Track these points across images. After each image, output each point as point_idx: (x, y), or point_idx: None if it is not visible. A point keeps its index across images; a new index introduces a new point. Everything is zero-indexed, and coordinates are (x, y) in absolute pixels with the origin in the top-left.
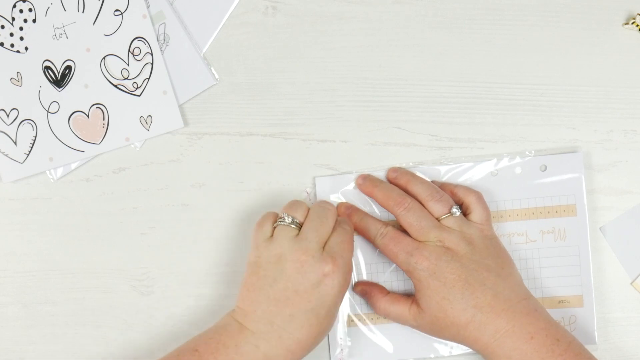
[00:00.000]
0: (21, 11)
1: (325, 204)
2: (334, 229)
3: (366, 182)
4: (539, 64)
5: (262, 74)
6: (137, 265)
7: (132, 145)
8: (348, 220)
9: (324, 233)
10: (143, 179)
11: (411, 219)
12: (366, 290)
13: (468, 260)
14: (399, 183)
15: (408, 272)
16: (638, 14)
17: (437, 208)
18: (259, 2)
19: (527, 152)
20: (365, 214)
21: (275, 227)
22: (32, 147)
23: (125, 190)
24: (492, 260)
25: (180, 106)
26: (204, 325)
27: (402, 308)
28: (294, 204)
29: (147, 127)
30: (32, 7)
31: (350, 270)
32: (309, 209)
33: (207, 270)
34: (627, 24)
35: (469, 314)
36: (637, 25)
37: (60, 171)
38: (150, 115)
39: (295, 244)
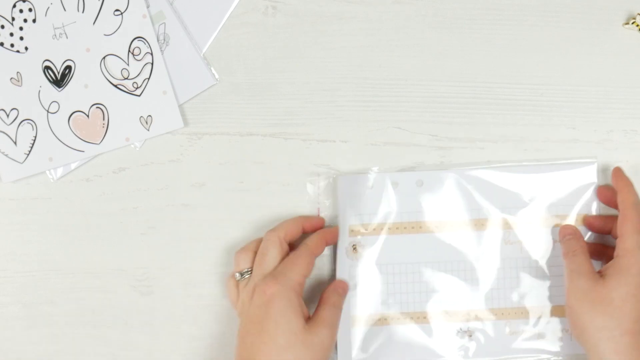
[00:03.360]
0: (21, 11)
1: (267, 235)
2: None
3: (622, 188)
4: (539, 64)
5: (262, 74)
6: (137, 265)
7: (132, 145)
8: (310, 240)
9: (266, 264)
10: (143, 179)
11: None
12: None
13: None
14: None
15: (627, 251)
16: (638, 14)
17: None
18: (259, 2)
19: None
20: None
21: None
22: (32, 147)
23: (125, 190)
24: None
25: (180, 106)
26: (204, 325)
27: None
28: (237, 257)
29: (147, 127)
30: (32, 7)
31: (298, 286)
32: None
33: (207, 270)
34: (627, 24)
35: (636, 327)
36: (637, 25)
37: (60, 171)
38: (150, 115)
39: (246, 286)
